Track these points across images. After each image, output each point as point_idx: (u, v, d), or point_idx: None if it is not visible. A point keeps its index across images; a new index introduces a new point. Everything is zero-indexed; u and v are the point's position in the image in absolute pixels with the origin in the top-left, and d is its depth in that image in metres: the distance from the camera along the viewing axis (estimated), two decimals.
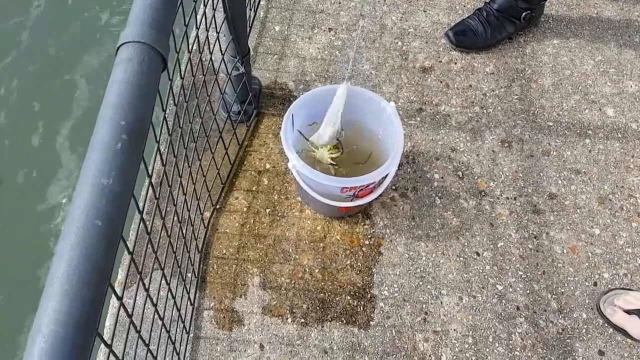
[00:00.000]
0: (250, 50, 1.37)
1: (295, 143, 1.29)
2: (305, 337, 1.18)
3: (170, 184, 0.91)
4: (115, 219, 0.50)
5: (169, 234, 0.93)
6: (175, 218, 1.05)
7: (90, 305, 0.48)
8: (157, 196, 0.81)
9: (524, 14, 1.59)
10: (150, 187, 0.78)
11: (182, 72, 0.95)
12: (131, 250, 0.70)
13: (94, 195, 0.50)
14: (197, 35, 1.01)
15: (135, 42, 0.63)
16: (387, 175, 1.20)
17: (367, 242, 1.30)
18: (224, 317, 1.19)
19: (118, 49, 0.64)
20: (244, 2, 1.21)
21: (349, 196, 1.21)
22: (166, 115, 0.84)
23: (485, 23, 1.60)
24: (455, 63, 1.62)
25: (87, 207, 0.49)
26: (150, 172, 0.77)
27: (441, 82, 1.58)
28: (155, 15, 0.65)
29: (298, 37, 1.64)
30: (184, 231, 1.10)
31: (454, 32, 1.62)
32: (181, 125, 0.97)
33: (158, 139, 0.81)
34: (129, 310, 0.73)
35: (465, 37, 1.61)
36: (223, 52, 1.27)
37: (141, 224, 0.78)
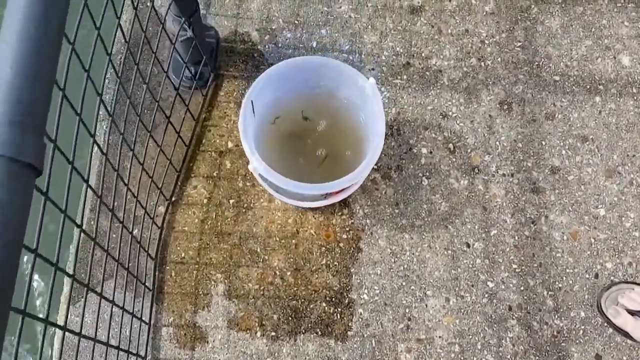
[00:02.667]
0: (200, 4, 1.11)
1: (267, 112, 1.09)
2: (276, 354, 1.07)
3: (114, 182, 0.74)
4: None
5: (106, 245, 0.78)
6: (120, 224, 0.89)
7: None
8: (100, 194, 0.64)
9: None
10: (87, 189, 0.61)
11: (126, 36, 0.74)
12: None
13: None
14: None
15: None
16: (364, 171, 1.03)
17: (344, 236, 1.15)
18: (185, 334, 1.07)
19: None
20: None
21: (320, 196, 1.04)
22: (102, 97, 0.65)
23: None
24: (450, 0, 1.36)
25: None
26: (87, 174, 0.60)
27: (433, 26, 1.33)
28: (17, 107, 0.44)
29: None
30: (130, 230, 0.94)
31: None
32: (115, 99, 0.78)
33: (94, 131, 0.62)
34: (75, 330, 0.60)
35: None
36: (165, 13, 1.02)
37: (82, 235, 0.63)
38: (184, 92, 1.21)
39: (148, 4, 1.29)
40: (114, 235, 1.10)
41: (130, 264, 1.06)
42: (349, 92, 1.08)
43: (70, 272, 1.06)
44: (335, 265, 1.13)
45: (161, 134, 1.14)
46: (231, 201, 1.16)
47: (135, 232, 1.11)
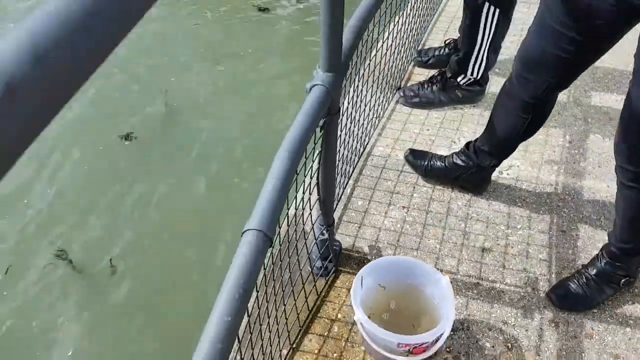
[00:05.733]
0: (335, 220, 1.71)
1: (368, 300, 1.55)
2: None
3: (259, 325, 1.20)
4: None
5: None
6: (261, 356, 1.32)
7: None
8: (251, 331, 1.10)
9: (622, 280, 1.65)
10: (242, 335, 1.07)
11: (281, 239, 1.29)
12: None
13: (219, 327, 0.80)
14: (296, 210, 1.35)
15: (255, 230, 0.96)
16: (439, 338, 1.42)
17: None
18: None
19: (243, 233, 0.98)
20: (333, 188, 1.58)
21: (404, 351, 1.43)
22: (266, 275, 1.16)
23: (585, 287, 1.66)
24: (512, 247, 1.86)
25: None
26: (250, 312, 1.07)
27: (498, 262, 1.81)
28: (269, 211, 0.99)
29: (376, 212, 1.97)
30: None
31: (556, 294, 1.68)
32: (274, 279, 1.28)
33: (258, 289, 1.12)
34: None
35: (567, 300, 1.67)
36: (313, 222, 1.61)
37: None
38: (313, 277, 1.74)
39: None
40: None
41: None
42: (428, 283, 1.54)
43: None
44: None
45: (293, 302, 1.64)
46: (334, 354, 1.57)
47: None
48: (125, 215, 2.85)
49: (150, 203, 2.92)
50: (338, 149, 1.56)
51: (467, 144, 1.94)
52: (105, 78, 3.60)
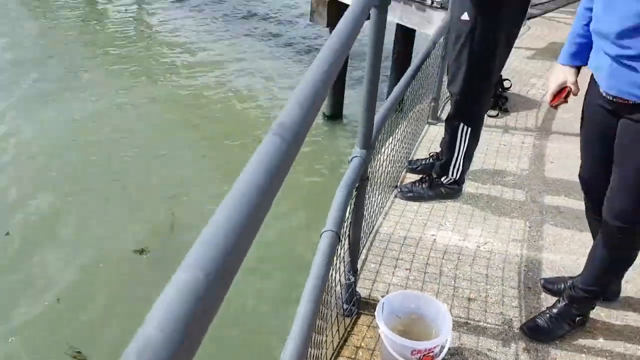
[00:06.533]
0: (357, 272, 2.25)
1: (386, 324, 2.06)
2: None
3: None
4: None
5: None
6: None
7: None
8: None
9: (577, 319, 2.14)
10: None
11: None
12: None
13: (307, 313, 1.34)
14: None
15: (330, 231, 1.53)
16: (443, 347, 1.92)
17: None
18: None
19: (322, 234, 1.54)
20: (359, 238, 2.15)
21: (416, 358, 1.91)
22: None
23: (549, 322, 2.16)
24: (491, 298, 2.40)
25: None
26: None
27: (480, 307, 2.34)
28: (338, 219, 1.56)
29: (385, 272, 2.52)
30: None
31: (527, 327, 2.19)
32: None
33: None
34: None
35: (535, 332, 2.17)
36: (345, 268, 2.16)
37: None
38: (341, 315, 2.24)
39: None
40: None
41: None
42: (431, 311, 2.06)
43: None
44: None
45: (329, 332, 2.12)
46: None
47: None
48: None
49: None
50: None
51: None
52: None
